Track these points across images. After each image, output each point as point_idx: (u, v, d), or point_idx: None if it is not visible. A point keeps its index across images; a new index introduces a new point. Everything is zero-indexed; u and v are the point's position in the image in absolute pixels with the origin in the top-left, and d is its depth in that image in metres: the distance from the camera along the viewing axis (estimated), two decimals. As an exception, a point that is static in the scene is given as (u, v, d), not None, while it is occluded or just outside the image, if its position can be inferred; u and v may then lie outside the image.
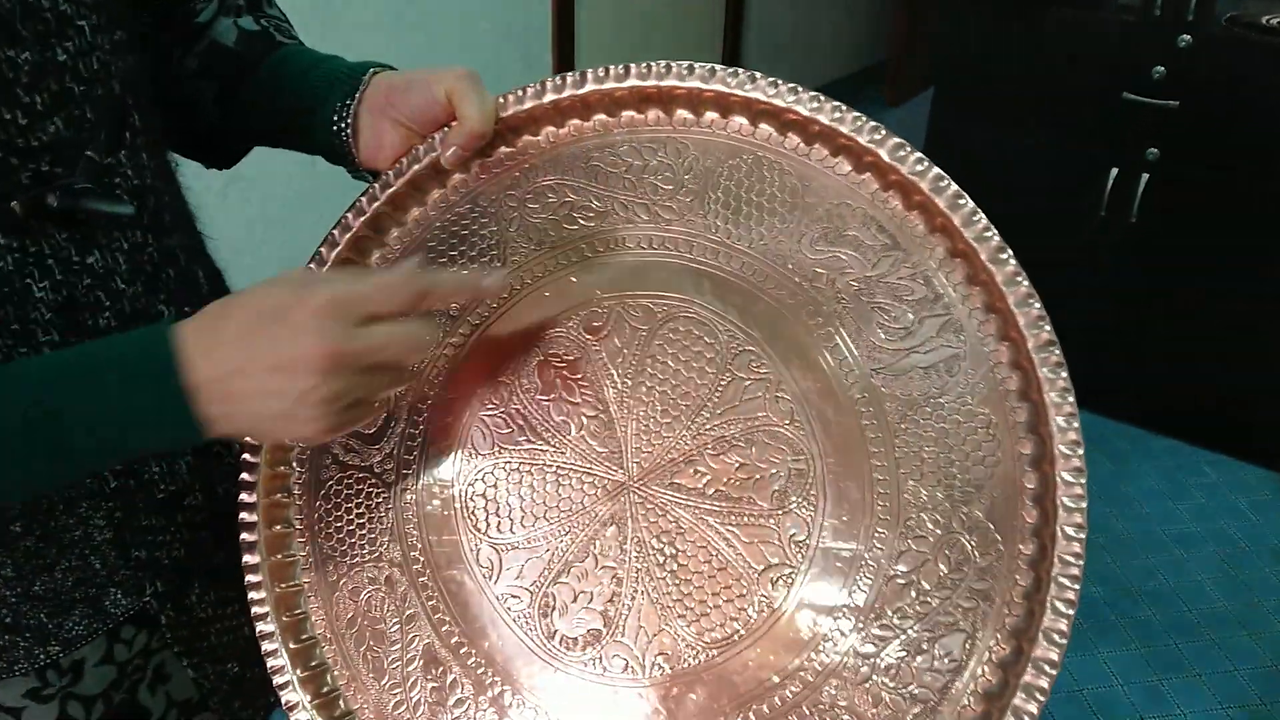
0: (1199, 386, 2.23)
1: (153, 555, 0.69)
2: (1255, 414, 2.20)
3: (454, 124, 0.65)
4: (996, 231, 0.57)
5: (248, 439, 0.65)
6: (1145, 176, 2.10)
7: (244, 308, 0.50)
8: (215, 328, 0.50)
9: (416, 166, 0.67)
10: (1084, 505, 0.53)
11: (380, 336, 0.51)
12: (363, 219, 0.67)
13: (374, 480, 0.66)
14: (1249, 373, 2.15)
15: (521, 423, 0.65)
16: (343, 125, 0.67)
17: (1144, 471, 2.28)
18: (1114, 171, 2.12)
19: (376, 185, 0.67)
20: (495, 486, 0.64)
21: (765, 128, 0.62)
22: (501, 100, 0.66)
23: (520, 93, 0.65)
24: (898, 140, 0.59)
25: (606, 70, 0.64)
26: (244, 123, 0.73)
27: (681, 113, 0.64)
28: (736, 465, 0.61)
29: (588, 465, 0.63)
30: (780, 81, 0.61)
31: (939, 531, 0.56)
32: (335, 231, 0.68)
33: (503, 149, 0.67)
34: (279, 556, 0.66)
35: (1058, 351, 0.55)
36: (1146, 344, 2.25)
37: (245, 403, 0.50)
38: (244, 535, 0.66)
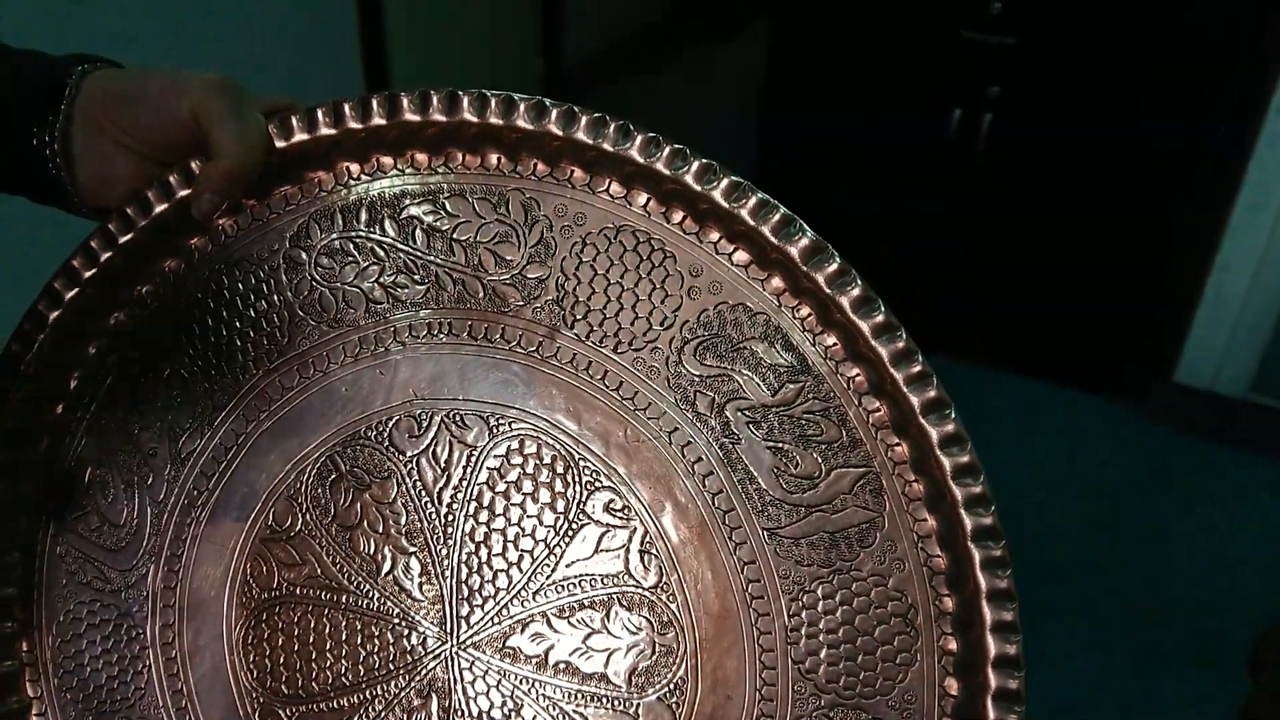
0: (1049, 324, 2.20)
1: None
2: (1104, 347, 2.18)
3: (207, 159, 0.46)
4: (935, 377, 0.43)
5: None
6: (989, 116, 2.07)
7: None
8: None
9: (163, 207, 0.48)
10: None
11: None
12: (94, 270, 0.49)
13: (120, 614, 0.51)
14: (1099, 307, 2.14)
15: (312, 555, 0.50)
16: (47, 149, 0.47)
17: (998, 413, 2.19)
18: (957, 113, 2.09)
19: (112, 225, 0.49)
20: (277, 633, 0.50)
21: (641, 194, 0.46)
22: (277, 125, 0.47)
23: (306, 116, 0.47)
24: (813, 238, 0.43)
25: (426, 96, 0.46)
26: None
27: (531, 160, 0.47)
28: (586, 633, 0.47)
29: (399, 616, 0.49)
30: (663, 140, 0.44)
31: None
32: (57, 284, 0.50)
33: (283, 188, 0.49)
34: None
35: (1000, 545, 0.42)
36: (996, 282, 2.22)
37: None
38: None
